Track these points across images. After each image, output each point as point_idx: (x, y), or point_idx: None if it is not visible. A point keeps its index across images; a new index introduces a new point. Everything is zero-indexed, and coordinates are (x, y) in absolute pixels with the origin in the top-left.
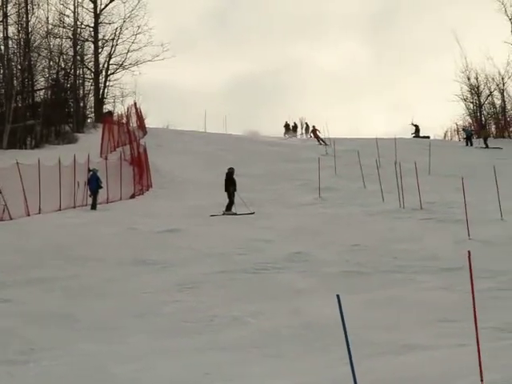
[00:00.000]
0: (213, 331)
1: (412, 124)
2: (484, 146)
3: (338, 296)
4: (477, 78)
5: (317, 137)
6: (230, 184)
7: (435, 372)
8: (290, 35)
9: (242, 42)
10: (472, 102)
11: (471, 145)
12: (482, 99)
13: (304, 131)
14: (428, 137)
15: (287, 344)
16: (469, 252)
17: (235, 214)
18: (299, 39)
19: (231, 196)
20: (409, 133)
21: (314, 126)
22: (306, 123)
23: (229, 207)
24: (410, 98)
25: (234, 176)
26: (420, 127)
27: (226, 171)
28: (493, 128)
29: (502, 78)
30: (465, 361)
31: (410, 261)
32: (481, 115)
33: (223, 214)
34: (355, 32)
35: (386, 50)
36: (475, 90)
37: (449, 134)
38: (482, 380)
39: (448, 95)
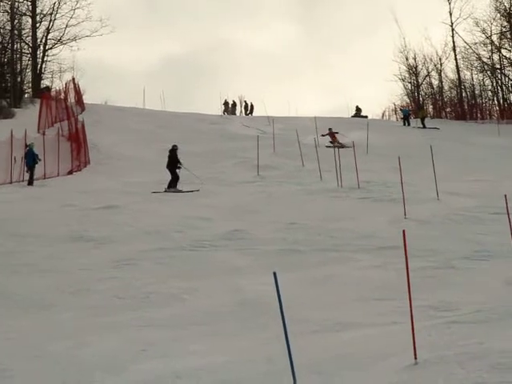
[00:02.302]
0: (149, 308)
1: (356, 108)
2: (421, 126)
3: (274, 273)
4: (415, 59)
5: (334, 138)
6: (173, 161)
7: (370, 350)
8: (220, 16)
9: (171, 23)
10: (410, 82)
11: (408, 124)
12: (420, 79)
13: (243, 109)
14: (366, 116)
15: (224, 321)
16: (403, 231)
17: (180, 191)
18: (230, 20)
19: (174, 173)
20: (346, 112)
21: (330, 129)
22: (245, 101)
23: (171, 184)
24: (344, 77)
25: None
26: (361, 108)
27: (170, 148)
28: (430, 108)
29: (440, 59)
30: (399, 339)
31: (346, 239)
32: (418, 95)
33: (165, 191)
34: (286, 12)
35: (319, 30)
36: (413, 71)
37: (386, 113)
38: (415, 358)
39: (385, 75)
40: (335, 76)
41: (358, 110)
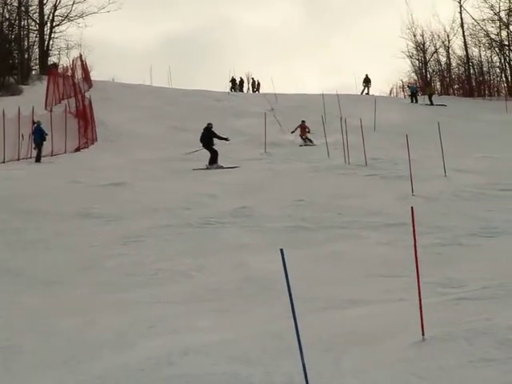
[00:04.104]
0: (157, 285)
1: (365, 78)
2: (429, 102)
3: (281, 250)
4: (422, 35)
5: (304, 132)
6: (207, 139)
7: (378, 326)
8: None
9: (172, 1)
10: (418, 59)
11: (416, 102)
12: (428, 56)
13: (251, 86)
14: (367, 93)
15: (231, 298)
16: (412, 208)
17: (222, 167)
18: None
19: (211, 150)
20: (354, 89)
21: (303, 121)
22: (253, 78)
23: (212, 161)
24: (348, 57)
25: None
26: (371, 79)
27: (205, 126)
28: (438, 85)
29: (448, 36)
30: (407, 315)
31: (354, 216)
32: (426, 72)
33: (207, 168)
34: None
35: (321, 10)
36: (421, 47)
37: (394, 90)
38: (423, 334)
39: (392, 52)
40: (338, 55)
41: (367, 80)
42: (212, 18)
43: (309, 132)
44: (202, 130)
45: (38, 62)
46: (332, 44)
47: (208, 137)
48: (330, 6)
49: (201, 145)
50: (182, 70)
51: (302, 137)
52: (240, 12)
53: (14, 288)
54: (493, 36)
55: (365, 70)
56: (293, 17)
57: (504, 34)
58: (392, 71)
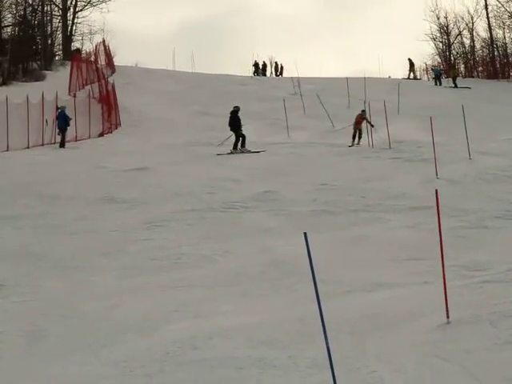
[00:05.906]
0: (181, 269)
1: (410, 62)
2: (453, 85)
3: (305, 234)
4: (446, 18)
5: (359, 124)
6: (234, 122)
7: (402, 309)
8: None
9: None
10: (441, 42)
11: (440, 84)
12: (452, 38)
13: (274, 70)
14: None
15: (255, 282)
16: (436, 191)
17: (249, 151)
18: None
19: (238, 133)
20: (377, 73)
21: (363, 112)
22: (276, 62)
23: (237, 145)
24: (368, 41)
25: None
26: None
27: (231, 109)
28: (462, 67)
29: (472, 18)
30: (431, 298)
31: (377, 200)
32: (450, 55)
33: (231, 153)
34: None
35: None
36: (444, 30)
37: (418, 73)
38: (448, 317)
39: (415, 35)
40: (359, 39)
41: (412, 64)
42: (230, 3)
43: (371, 125)
44: (229, 114)
45: (61, 47)
46: (352, 28)
47: (234, 120)
48: None
49: (229, 129)
50: (202, 55)
51: (357, 130)
52: None
53: (37, 272)
54: None
55: (386, 54)
56: (311, 1)
57: None
58: (415, 54)
